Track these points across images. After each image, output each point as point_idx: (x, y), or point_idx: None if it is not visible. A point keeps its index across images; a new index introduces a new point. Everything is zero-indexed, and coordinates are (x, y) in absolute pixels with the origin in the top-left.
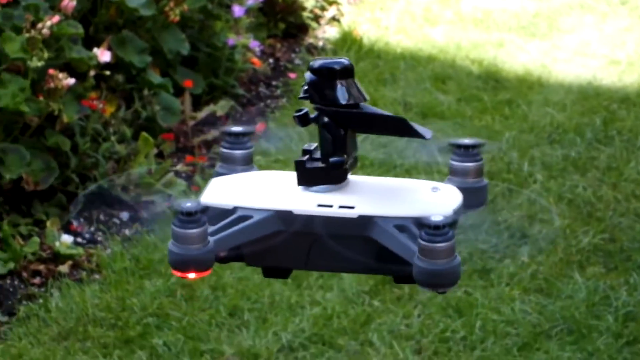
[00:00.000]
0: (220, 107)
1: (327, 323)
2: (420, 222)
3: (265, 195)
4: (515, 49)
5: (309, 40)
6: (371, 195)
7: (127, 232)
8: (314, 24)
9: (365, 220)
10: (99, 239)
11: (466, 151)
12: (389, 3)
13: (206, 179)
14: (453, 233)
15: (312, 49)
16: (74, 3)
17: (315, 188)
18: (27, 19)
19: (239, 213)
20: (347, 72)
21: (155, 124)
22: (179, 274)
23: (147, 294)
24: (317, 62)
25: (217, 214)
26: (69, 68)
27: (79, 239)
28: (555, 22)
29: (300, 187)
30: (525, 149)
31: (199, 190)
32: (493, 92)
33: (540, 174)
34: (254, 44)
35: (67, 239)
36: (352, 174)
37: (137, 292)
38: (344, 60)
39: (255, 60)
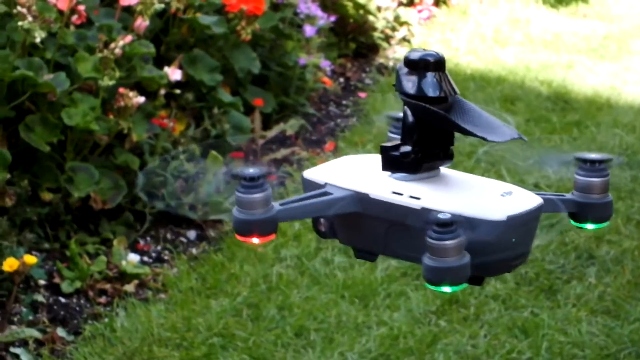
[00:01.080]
0: (290, 126)
1: (393, 343)
2: (428, 220)
3: (353, 176)
4: (585, 70)
5: (380, 60)
6: (443, 189)
7: (194, 251)
8: (384, 44)
9: (427, 213)
10: (166, 258)
11: (592, 166)
12: (460, 24)
13: (275, 198)
14: (461, 231)
15: (383, 69)
16: (147, 23)
17: (398, 175)
18: (100, 39)
19: (326, 189)
20: (439, 65)
21: (225, 143)
22: (242, 238)
23: (213, 313)
24: (412, 54)
25: (313, 187)
26: (139, 87)
27: (146, 258)
28: (626, 45)
29: (387, 173)
30: None
31: None
32: (562, 113)
33: None
34: (325, 64)
35: (133, 257)
36: (447, 168)
37: (202, 312)
38: (437, 53)
39: (325, 79)
